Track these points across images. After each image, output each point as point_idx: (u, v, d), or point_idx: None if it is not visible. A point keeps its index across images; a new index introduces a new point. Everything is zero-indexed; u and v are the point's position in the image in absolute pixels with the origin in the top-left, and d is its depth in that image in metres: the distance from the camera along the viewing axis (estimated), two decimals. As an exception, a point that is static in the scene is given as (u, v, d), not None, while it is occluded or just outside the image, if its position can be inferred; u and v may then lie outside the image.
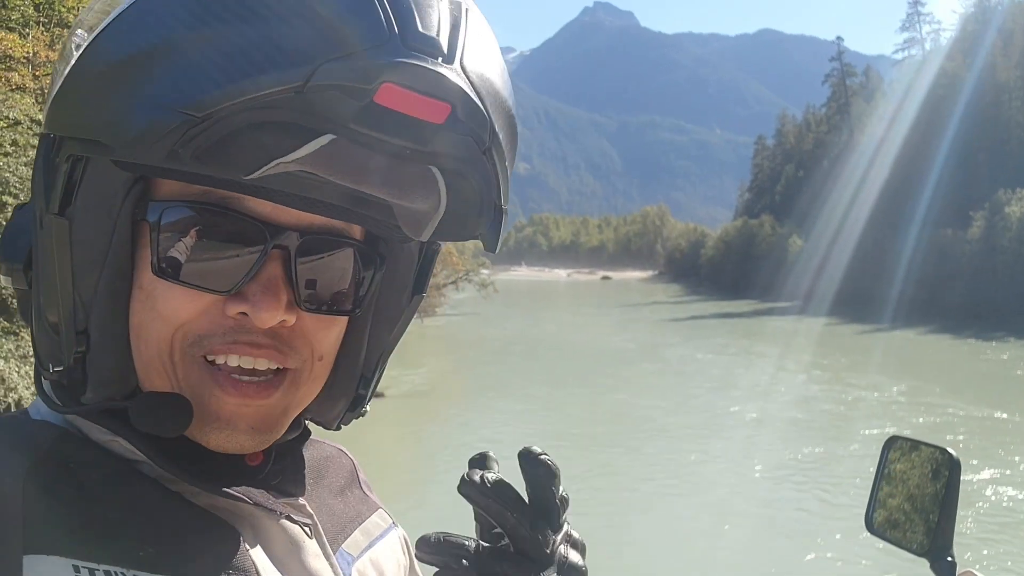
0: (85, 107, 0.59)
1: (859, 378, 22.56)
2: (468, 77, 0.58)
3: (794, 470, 13.28)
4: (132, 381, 0.66)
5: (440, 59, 0.56)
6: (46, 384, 0.70)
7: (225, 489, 0.66)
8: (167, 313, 0.63)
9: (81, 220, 0.62)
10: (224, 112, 0.53)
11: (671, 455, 14.32)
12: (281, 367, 0.66)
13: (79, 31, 0.61)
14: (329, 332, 0.70)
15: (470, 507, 0.67)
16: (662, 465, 13.61)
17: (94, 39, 0.59)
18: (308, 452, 0.82)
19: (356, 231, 0.70)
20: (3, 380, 9.29)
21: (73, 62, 0.60)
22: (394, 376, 20.99)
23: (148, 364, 0.65)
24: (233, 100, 0.52)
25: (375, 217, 0.66)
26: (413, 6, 0.56)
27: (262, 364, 0.65)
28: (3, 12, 13.18)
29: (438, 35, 0.57)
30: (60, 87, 0.62)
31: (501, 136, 0.62)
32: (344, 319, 0.72)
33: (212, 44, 0.53)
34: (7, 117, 10.41)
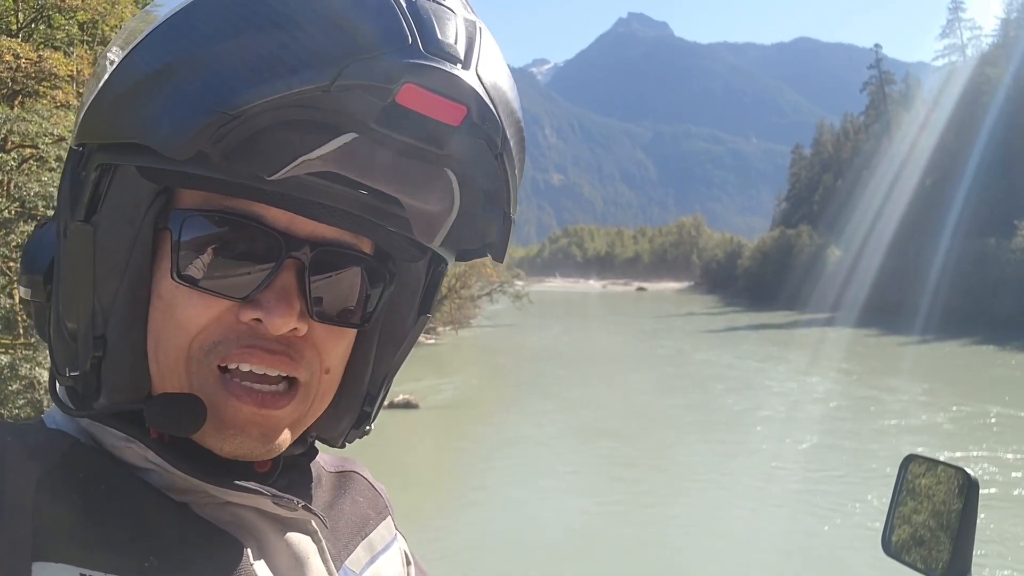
0: (120, 112, 0.61)
1: (894, 385, 22.49)
2: (483, 83, 0.61)
3: (792, 460, 14.68)
4: (145, 388, 0.68)
5: (458, 65, 0.60)
6: (60, 390, 0.72)
7: (238, 483, 0.68)
8: (184, 321, 0.65)
9: (105, 227, 0.65)
10: (255, 110, 0.56)
11: (684, 446, 16.00)
12: (292, 376, 0.68)
13: (114, 48, 0.65)
14: (338, 344, 0.72)
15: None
16: (675, 455, 15.34)
17: (130, 52, 0.62)
18: (319, 467, 0.85)
19: (367, 247, 0.72)
20: (48, 391, 9.50)
21: (108, 75, 0.63)
22: (430, 384, 21.29)
23: (164, 372, 0.67)
24: (265, 98, 0.55)
25: (388, 228, 0.68)
26: (433, 17, 0.60)
27: (273, 371, 0.67)
28: (49, 32, 13.55)
29: (456, 43, 0.60)
30: (95, 98, 0.64)
31: (512, 144, 0.66)
32: (352, 333, 0.73)
33: (245, 49, 0.57)
34: (52, 134, 10.68)
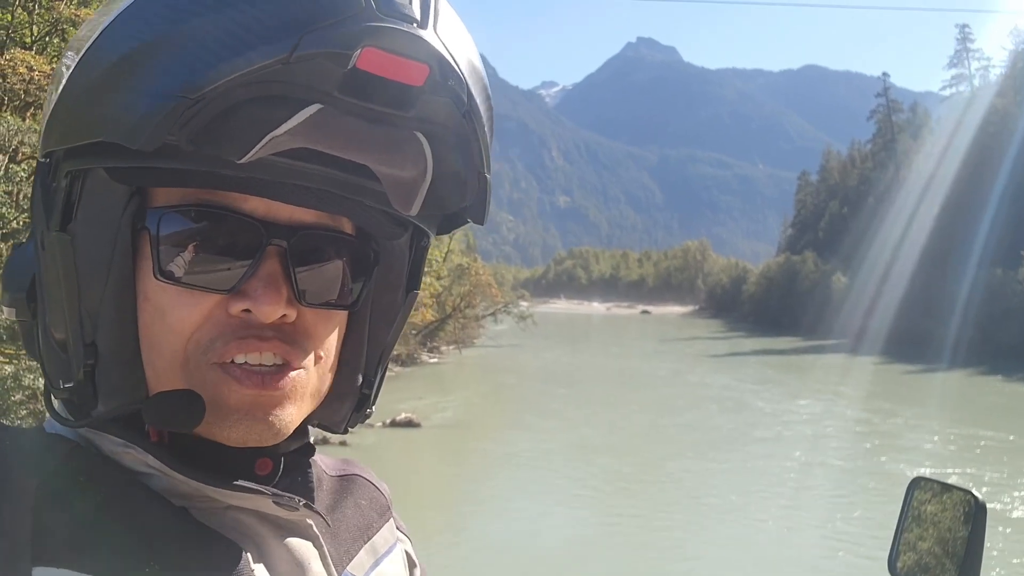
0: (82, 112, 0.61)
1: (890, 410, 22.37)
2: (442, 42, 0.61)
3: (774, 477, 15.29)
4: (142, 390, 0.67)
5: (415, 25, 0.60)
6: (56, 403, 0.71)
7: (239, 483, 0.67)
8: (176, 323, 0.65)
9: (83, 234, 0.64)
10: (217, 91, 0.55)
11: (681, 463, 16.44)
12: (288, 363, 0.68)
13: (69, 53, 0.64)
14: (329, 327, 0.71)
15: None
16: (672, 471, 15.77)
17: (84, 54, 0.62)
18: (320, 470, 0.85)
19: (347, 228, 0.72)
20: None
21: (65, 81, 0.63)
22: (432, 403, 21.52)
23: (160, 374, 0.66)
24: (226, 78, 0.55)
25: (366, 203, 0.67)
26: None
27: (268, 359, 0.66)
28: (62, 45, 13.69)
29: (411, 4, 0.60)
30: (55, 105, 0.64)
31: (478, 102, 0.65)
32: (343, 315, 0.74)
33: (200, 31, 0.56)
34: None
